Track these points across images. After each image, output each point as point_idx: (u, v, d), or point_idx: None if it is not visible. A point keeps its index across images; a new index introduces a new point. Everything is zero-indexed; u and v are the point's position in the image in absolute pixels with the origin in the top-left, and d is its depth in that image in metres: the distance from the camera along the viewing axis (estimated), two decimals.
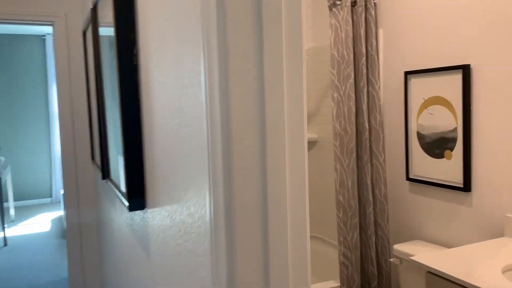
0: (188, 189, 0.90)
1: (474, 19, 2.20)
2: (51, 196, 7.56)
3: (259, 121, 0.69)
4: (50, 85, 7.42)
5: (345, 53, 2.67)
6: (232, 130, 0.67)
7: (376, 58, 2.66)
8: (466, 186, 2.28)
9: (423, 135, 2.52)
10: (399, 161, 2.71)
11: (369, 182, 2.70)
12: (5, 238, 5.34)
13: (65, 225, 3.95)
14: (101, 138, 1.90)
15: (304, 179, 0.75)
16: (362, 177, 2.73)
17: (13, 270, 4.47)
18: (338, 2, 2.68)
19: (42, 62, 7.40)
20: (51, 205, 7.35)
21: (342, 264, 2.72)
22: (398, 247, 2.50)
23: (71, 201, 3.20)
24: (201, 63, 0.72)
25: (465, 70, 2.23)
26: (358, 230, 2.71)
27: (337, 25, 2.69)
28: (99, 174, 2.31)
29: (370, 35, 2.68)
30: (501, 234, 2.15)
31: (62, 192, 6.02)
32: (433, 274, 1.82)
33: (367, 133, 2.68)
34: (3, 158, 5.99)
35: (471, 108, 2.25)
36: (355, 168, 2.69)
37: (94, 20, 1.82)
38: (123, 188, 1.41)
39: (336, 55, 2.69)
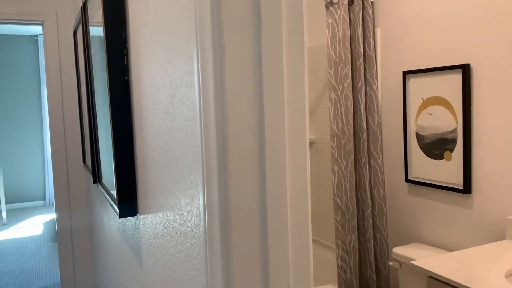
0: (181, 197, 0.85)
1: (474, 17, 2.16)
2: (44, 198, 7.47)
3: (258, 123, 0.63)
4: (43, 86, 7.33)
5: (342, 53, 2.62)
6: (228, 134, 0.61)
7: (374, 58, 2.62)
8: (466, 188, 2.23)
9: (422, 136, 2.47)
10: (397, 163, 2.66)
11: (367, 184, 2.65)
12: None
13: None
14: (92, 141, 1.83)
15: (306, 185, 0.70)
16: (360, 179, 2.68)
17: (4, 276, 4.38)
18: (335, 1, 2.63)
19: (35, 63, 7.31)
20: (44, 208, 7.25)
21: (340, 268, 2.67)
22: (397, 250, 2.45)
23: (62, 205, 3.13)
24: (194, 60, 0.66)
25: (465, 70, 2.19)
26: (356, 233, 2.65)
27: (334, 24, 2.64)
28: (91, 178, 2.24)
29: (367, 35, 2.63)
30: (502, 237, 2.11)
31: None
32: (434, 279, 1.77)
33: (365, 134, 2.63)
34: None
35: (471, 108, 2.21)
36: (353, 170, 2.64)
37: (84, 19, 1.76)
38: (113, 193, 1.35)
39: (333, 54, 2.64)
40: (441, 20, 2.32)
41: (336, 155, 2.64)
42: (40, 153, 7.38)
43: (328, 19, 2.67)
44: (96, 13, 1.46)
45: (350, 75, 2.62)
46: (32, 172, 7.34)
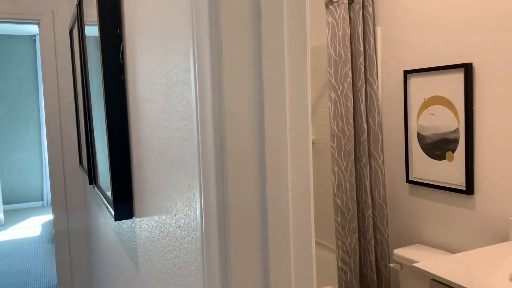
0: (177, 200, 0.81)
1: (477, 15, 2.12)
2: (42, 199, 7.42)
3: (258, 123, 0.60)
4: (41, 87, 7.28)
5: (342, 52, 2.59)
6: (226, 134, 0.58)
7: (374, 57, 2.58)
8: (469, 189, 2.20)
9: (424, 136, 2.44)
10: (398, 163, 2.63)
11: (367, 184, 2.61)
12: None
13: None
14: (88, 142, 1.80)
15: (309, 189, 0.66)
16: (360, 180, 2.65)
17: (1, 277, 4.34)
18: (335, 0, 2.60)
19: (33, 64, 7.27)
20: (42, 209, 7.21)
21: (340, 269, 2.64)
22: (398, 251, 2.42)
23: (59, 206, 3.09)
24: (190, 57, 0.63)
25: (467, 69, 2.16)
26: (356, 234, 2.62)
27: (334, 23, 2.61)
28: (87, 179, 2.21)
29: (368, 33, 2.60)
30: (505, 239, 2.08)
31: None
32: (437, 282, 1.74)
33: (365, 134, 2.60)
34: None
35: (473, 108, 2.17)
36: (353, 171, 2.61)
37: (79, 17, 1.72)
38: (109, 195, 1.31)
39: (333, 54, 2.61)
40: (443, 18, 2.29)
41: (336, 155, 2.61)
42: (38, 154, 7.34)
43: (328, 17, 2.64)
44: (92, 11, 1.43)
45: (350, 75, 2.59)
46: (30, 172, 7.29)
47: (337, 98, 2.60)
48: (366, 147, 2.60)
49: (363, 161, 2.61)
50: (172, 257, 0.87)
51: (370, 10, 2.59)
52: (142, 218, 1.15)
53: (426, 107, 2.41)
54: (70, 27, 2.51)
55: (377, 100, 2.59)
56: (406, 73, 2.50)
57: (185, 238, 0.78)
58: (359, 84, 2.60)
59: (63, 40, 2.92)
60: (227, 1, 0.58)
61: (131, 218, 1.23)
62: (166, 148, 0.87)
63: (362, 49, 2.58)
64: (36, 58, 7.30)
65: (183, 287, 0.79)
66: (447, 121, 2.29)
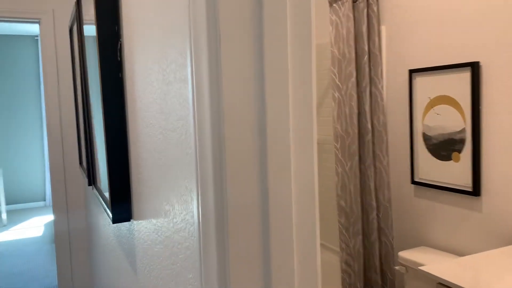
0: (175, 203, 0.78)
1: (484, 13, 2.08)
2: (44, 199, 7.41)
3: (259, 123, 0.56)
4: (44, 87, 7.27)
5: (346, 51, 2.55)
6: (225, 134, 0.54)
7: (379, 56, 2.54)
8: (476, 190, 2.16)
9: (429, 136, 2.39)
10: (403, 164, 2.58)
11: (372, 186, 2.57)
12: None
13: None
14: (87, 142, 1.76)
15: (313, 192, 0.62)
16: (364, 181, 2.60)
17: (3, 277, 4.32)
18: None
19: (35, 63, 7.26)
20: (45, 209, 7.19)
21: (344, 272, 2.60)
22: (403, 254, 2.37)
23: (59, 207, 3.06)
24: (187, 52, 0.59)
25: (474, 68, 2.11)
26: (360, 237, 2.58)
27: (338, 21, 2.57)
28: (86, 180, 2.17)
29: (372, 32, 2.56)
30: None
31: None
32: (444, 286, 1.69)
33: (369, 134, 2.55)
34: None
35: (480, 107, 2.13)
36: (358, 172, 2.56)
37: (78, 15, 1.69)
38: (107, 196, 1.28)
39: (336, 53, 2.57)
40: (449, 16, 2.24)
41: (340, 156, 2.56)
42: (40, 154, 7.32)
43: (332, 16, 2.60)
44: (90, 8, 1.39)
45: (355, 74, 2.54)
46: (32, 172, 7.28)
47: (341, 98, 2.56)
48: (371, 147, 2.56)
49: (368, 162, 2.57)
50: (170, 263, 0.84)
51: (375, 8, 2.54)
52: (140, 221, 1.11)
53: (432, 107, 2.36)
54: (69, 25, 2.48)
55: (382, 100, 2.55)
56: (412, 72, 2.46)
57: (183, 244, 0.74)
58: (364, 84, 2.55)
59: (64, 39, 2.89)
60: None
61: (129, 220, 1.20)
62: (163, 149, 0.83)
63: (366, 48, 2.54)
64: (39, 58, 7.29)
65: None
66: (453, 121, 2.25)
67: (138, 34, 0.98)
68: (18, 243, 5.45)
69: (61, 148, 2.99)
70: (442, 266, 1.75)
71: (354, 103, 2.54)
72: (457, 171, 2.25)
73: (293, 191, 0.60)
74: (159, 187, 0.89)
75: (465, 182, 2.21)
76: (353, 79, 2.54)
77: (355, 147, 2.56)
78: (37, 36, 7.26)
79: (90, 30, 1.50)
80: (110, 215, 1.19)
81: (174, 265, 0.81)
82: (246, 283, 0.57)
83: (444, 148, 2.31)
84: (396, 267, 2.42)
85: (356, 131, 2.56)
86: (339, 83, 2.56)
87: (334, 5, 2.60)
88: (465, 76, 2.17)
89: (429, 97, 2.37)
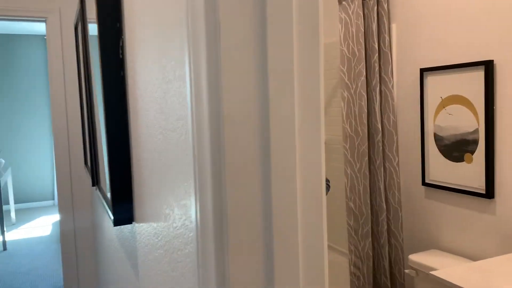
0: (175, 207, 0.74)
1: (497, 10, 2.01)
2: (53, 198, 7.43)
3: (261, 122, 0.52)
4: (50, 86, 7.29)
5: (356, 49, 2.49)
6: (224, 135, 0.50)
7: (389, 55, 2.48)
8: (489, 192, 2.10)
9: (441, 136, 2.33)
10: (414, 165, 2.53)
11: (382, 187, 2.52)
12: (4, 242, 5.20)
13: None
14: (91, 141, 1.74)
15: (321, 196, 0.58)
16: (374, 182, 2.55)
17: (11, 276, 4.33)
18: None
19: (43, 63, 7.28)
20: (53, 208, 7.21)
21: (353, 274, 2.55)
22: (414, 257, 2.32)
23: (65, 206, 3.05)
24: (185, 46, 0.55)
25: (488, 66, 2.05)
26: (370, 239, 2.53)
27: (348, 19, 2.52)
28: (90, 180, 2.15)
29: (382, 30, 2.50)
30: None
31: None
32: None
33: (379, 134, 2.50)
34: (3, 160, 5.86)
35: (494, 107, 2.07)
36: (367, 173, 2.51)
37: (82, 14, 1.66)
38: (108, 198, 1.24)
39: (346, 51, 2.52)
40: (462, 13, 2.18)
41: (349, 156, 2.51)
42: (49, 153, 7.35)
43: (341, 14, 2.55)
44: (94, 6, 1.36)
45: (364, 73, 2.49)
46: (41, 172, 7.30)
47: (350, 97, 2.51)
48: (381, 148, 2.51)
49: (377, 162, 2.52)
50: (170, 269, 0.80)
51: (385, 6, 2.49)
52: (141, 224, 1.08)
53: (444, 107, 2.30)
54: (75, 24, 2.46)
55: (392, 99, 2.49)
56: (423, 71, 2.40)
57: (182, 250, 0.70)
58: (373, 83, 2.50)
59: (70, 38, 2.87)
60: None
61: (131, 223, 1.16)
62: (163, 150, 0.79)
63: (376, 46, 2.49)
64: (47, 58, 7.31)
65: None
66: (466, 121, 2.19)
67: (139, 29, 0.95)
68: (26, 242, 5.47)
69: (67, 147, 2.97)
70: (454, 271, 1.70)
71: (364, 103, 2.49)
72: (469, 173, 2.19)
73: (299, 195, 0.56)
74: (159, 189, 0.85)
75: (478, 184, 2.15)
76: (363, 78, 2.49)
77: (364, 147, 2.50)
78: (45, 35, 7.29)
79: (94, 28, 1.47)
80: (111, 217, 1.15)
81: (174, 272, 0.77)
82: None
83: (456, 149, 2.25)
84: (406, 271, 2.36)
85: (366, 131, 2.51)
86: (348, 82, 2.51)
87: (344, 2, 2.54)
88: (479, 75, 2.11)
89: (441, 97, 2.32)
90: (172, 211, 0.76)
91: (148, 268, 1.01)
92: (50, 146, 7.36)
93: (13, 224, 6.28)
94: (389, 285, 2.55)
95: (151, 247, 0.97)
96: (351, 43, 2.50)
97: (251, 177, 0.52)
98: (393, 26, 2.58)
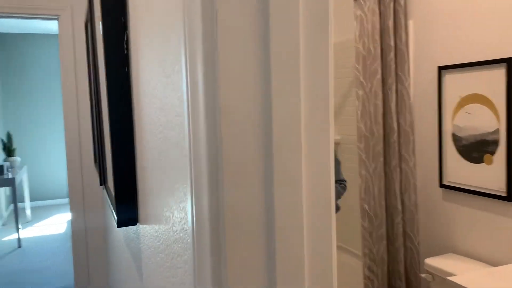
0: (175, 210, 0.69)
1: None
2: (68, 196, 7.48)
3: (263, 119, 0.47)
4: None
5: (371, 47, 2.43)
6: (222, 133, 0.45)
7: (406, 52, 2.41)
8: (510, 195, 2.01)
9: (460, 137, 2.25)
10: (431, 166, 2.45)
11: (397, 189, 2.44)
12: (19, 240, 5.25)
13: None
14: (98, 139, 1.71)
15: (329, 200, 0.53)
16: (389, 184, 2.48)
17: (24, 273, 4.36)
18: None
19: (58, 61, 7.33)
20: (68, 206, 7.27)
21: (366, 278, 2.48)
22: (430, 261, 2.24)
23: (76, 205, 3.04)
24: (180, 35, 0.51)
25: (510, 64, 1.97)
26: (385, 242, 2.46)
27: (363, 16, 2.45)
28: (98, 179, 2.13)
29: (399, 27, 2.43)
30: None
31: None
32: None
33: (395, 134, 2.43)
34: (19, 158, 5.91)
35: None
36: (382, 174, 2.44)
37: (90, 10, 1.63)
38: (113, 198, 1.21)
39: (361, 49, 2.45)
40: (481, 9, 2.10)
41: (363, 157, 2.45)
42: (64, 151, 7.40)
43: (356, 11, 2.48)
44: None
45: (380, 71, 2.42)
46: (56, 170, 7.37)
47: (365, 96, 2.44)
48: (396, 148, 2.43)
49: (393, 163, 2.44)
50: (170, 275, 0.76)
51: (402, 2, 2.41)
52: (145, 226, 1.04)
53: (463, 106, 2.22)
54: (85, 21, 2.44)
55: (409, 98, 2.42)
56: (441, 69, 2.32)
57: (182, 256, 0.66)
58: (389, 81, 2.43)
59: (82, 36, 2.86)
60: None
61: (135, 224, 1.12)
62: (164, 149, 0.75)
63: (392, 44, 2.41)
64: None
65: None
66: (486, 121, 2.11)
67: (142, 21, 0.91)
68: (40, 239, 5.51)
69: (79, 145, 2.96)
70: (473, 277, 1.63)
71: (379, 102, 2.42)
72: (489, 174, 2.11)
73: (305, 199, 0.51)
74: (160, 190, 0.81)
75: (499, 186, 2.07)
76: (378, 76, 2.42)
77: (379, 147, 2.44)
78: None
79: (100, 23, 1.43)
80: (115, 217, 1.12)
81: (174, 278, 0.73)
82: None
83: (475, 149, 2.17)
84: (422, 275, 2.29)
85: (381, 131, 2.44)
86: (363, 81, 2.44)
87: None
88: (500, 73, 2.03)
89: (460, 96, 2.24)
90: (172, 214, 0.72)
91: (151, 271, 0.97)
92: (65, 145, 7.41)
93: (28, 222, 6.34)
94: None
95: (153, 250, 0.93)
96: (366, 41, 2.44)
97: (251, 178, 0.47)
98: (410, 23, 2.50)
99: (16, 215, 5.27)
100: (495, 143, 2.07)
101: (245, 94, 0.46)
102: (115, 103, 1.09)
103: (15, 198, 5.18)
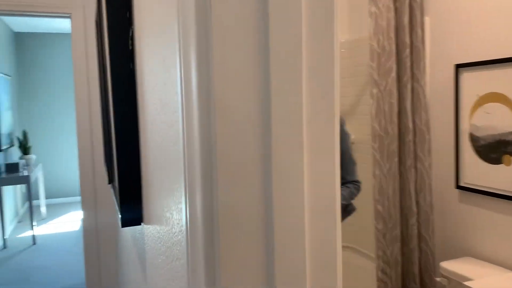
0: (173, 211, 0.67)
1: None
2: None
3: (260, 115, 0.44)
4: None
5: (386, 44, 2.37)
6: (216, 130, 0.42)
7: (422, 50, 2.35)
8: None
9: (477, 137, 2.19)
10: (447, 167, 2.38)
11: (412, 189, 2.38)
12: (34, 237, 5.30)
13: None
14: (107, 138, 1.69)
15: (334, 197, 0.49)
16: (404, 184, 2.42)
17: (39, 270, 4.39)
18: None
19: (70, 60, 7.39)
20: None
21: (380, 280, 2.42)
22: (446, 264, 2.18)
23: (88, 203, 3.04)
24: (175, 25, 0.48)
25: None
26: (399, 244, 2.40)
27: (378, 12, 2.40)
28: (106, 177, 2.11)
29: (415, 24, 2.37)
30: None
31: None
32: None
33: (410, 134, 2.37)
34: (34, 156, 5.98)
35: None
36: (397, 174, 2.38)
37: (99, 7, 1.62)
38: (118, 197, 1.19)
39: (376, 46, 2.40)
40: (500, 4, 2.03)
41: (378, 157, 2.39)
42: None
43: (371, 7, 2.43)
44: None
45: (395, 69, 2.36)
46: (71, 167, 7.43)
47: (379, 95, 2.39)
48: (412, 148, 2.37)
49: (408, 163, 2.38)
50: (169, 278, 0.73)
51: None
52: (148, 226, 1.01)
53: (481, 105, 2.16)
54: (95, 19, 2.43)
55: (424, 96, 2.35)
56: (458, 67, 2.26)
57: (180, 260, 0.63)
58: (405, 79, 2.37)
59: (93, 34, 2.85)
60: None
61: (139, 224, 1.10)
62: (164, 148, 0.72)
63: (408, 41, 2.35)
64: None
65: None
66: (505, 120, 2.04)
67: (146, 17, 0.88)
68: (55, 237, 5.56)
69: (90, 143, 2.96)
70: (491, 282, 1.57)
71: (394, 100, 2.37)
72: (508, 176, 2.04)
73: (306, 202, 0.47)
74: (161, 190, 0.78)
75: None
76: (393, 74, 2.36)
77: (394, 147, 2.38)
78: None
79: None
80: (119, 216, 1.09)
81: (173, 281, 0.70)
82: None
83: (494, 150, 2.10)
84: (438, 279, 2.23)
85: (396, 130, 2.38)
86: (377, 79, 2.39)
87: None
88: None
89: (478, 95, 2.17)
90: (172, 215, 0.69)
91: (154, 272, 0.94)
92: None
93: (43, 219, 6.41)
94: None
95: (156, 251, 0.90)
96: (381, 38, 2.38)
97: (247, 177, 0.44)
98: (426, 20, 2.44)
99: (31, 213, 5.32)
100: None
101: (241, 91, 0.42)
102: (119, 99, 1.06)
103: (30, 196, 5.23)
